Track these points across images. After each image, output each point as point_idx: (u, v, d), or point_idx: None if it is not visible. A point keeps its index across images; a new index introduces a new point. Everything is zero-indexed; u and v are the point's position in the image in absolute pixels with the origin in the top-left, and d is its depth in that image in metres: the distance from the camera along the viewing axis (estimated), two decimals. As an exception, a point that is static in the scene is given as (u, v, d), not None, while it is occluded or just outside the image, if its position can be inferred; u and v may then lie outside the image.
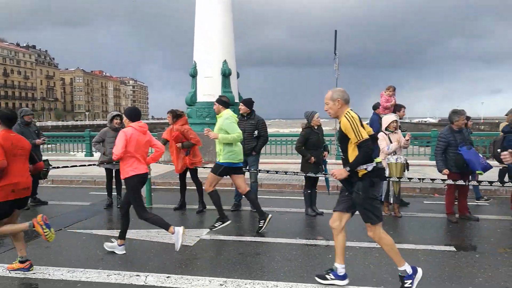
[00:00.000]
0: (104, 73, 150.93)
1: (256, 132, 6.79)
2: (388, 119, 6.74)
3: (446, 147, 6.15)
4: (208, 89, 13.41)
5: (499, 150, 6.24)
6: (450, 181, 5.92)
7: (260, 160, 13.57)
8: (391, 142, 6.53)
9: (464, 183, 5.92)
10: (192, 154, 6.91)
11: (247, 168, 6.78)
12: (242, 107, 6.82)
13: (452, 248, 5.01)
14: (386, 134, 6.65)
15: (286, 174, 7.13)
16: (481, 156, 6.17)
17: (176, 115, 6.90)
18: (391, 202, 6.70)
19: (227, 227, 5.75)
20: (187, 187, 7.30)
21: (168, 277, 4.12)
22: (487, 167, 5.95)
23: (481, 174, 5.95)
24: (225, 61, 13.45)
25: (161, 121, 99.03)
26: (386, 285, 3.87)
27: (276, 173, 7.14)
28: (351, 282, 3.90)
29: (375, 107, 8.78)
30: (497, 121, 51.61)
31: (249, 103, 6.79)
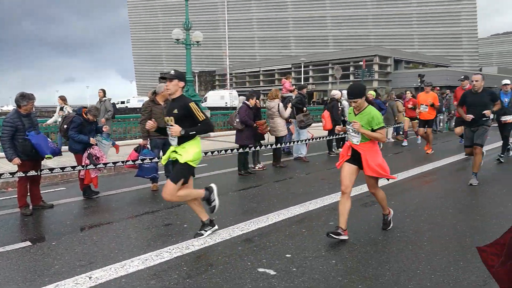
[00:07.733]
0: None
1: None
2: None
3: (14, 133, 5.73)
4: None
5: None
6: (20, 174, 5.56)
7: None
8: None
9: (36, 173, 5.73)
10: None
11: None
12: None
13: (28, 243, 4.72)
14: None
15: None
16: (50, 140, 6.15)
17: None
18: None
19: None
20: None
21: None
22: (56, 151, 6.03)
23: (50, 158, 5.92)
24: None
25: None
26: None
27: None
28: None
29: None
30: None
31: None
